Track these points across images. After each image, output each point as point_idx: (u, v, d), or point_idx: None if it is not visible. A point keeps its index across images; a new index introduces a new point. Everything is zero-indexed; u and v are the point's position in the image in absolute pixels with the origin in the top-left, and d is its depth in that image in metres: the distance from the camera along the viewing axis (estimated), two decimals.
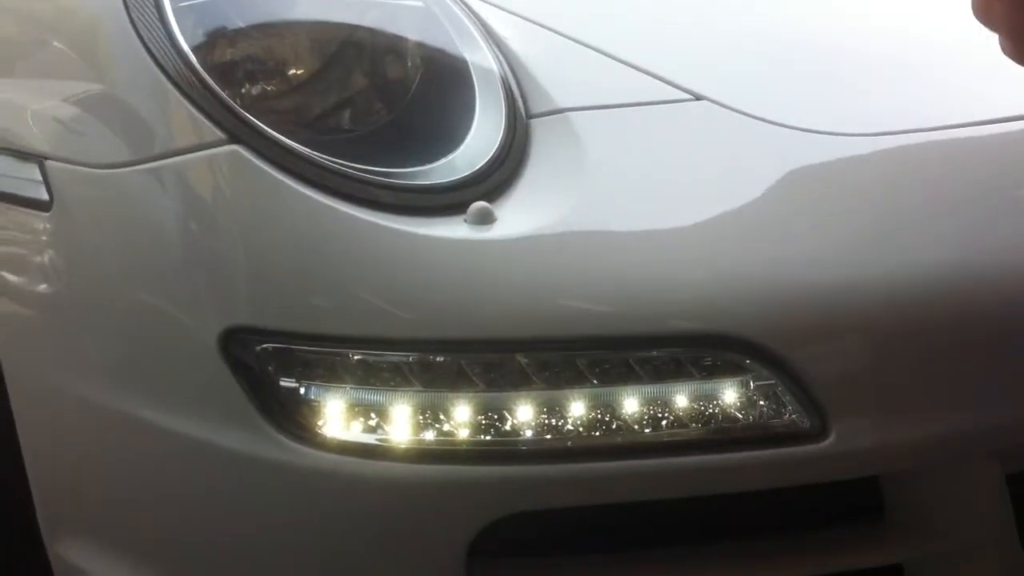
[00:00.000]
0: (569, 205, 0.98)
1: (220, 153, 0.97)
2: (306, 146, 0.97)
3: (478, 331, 0.93)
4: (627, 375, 0.94)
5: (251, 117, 0.98)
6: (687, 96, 1.09)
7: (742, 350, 0.94)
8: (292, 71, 1.08)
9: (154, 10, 1.02)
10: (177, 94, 0.98)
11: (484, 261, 0.94)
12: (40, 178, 1.05)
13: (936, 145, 1.10)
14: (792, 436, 0.95)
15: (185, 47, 1.00)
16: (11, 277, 1.11)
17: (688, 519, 1.00)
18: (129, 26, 1.01)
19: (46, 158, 1.06)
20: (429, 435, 0.94)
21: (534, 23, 1.14)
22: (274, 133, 0.97)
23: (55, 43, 1.16)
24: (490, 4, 1.14)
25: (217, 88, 0.98)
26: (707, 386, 0.94)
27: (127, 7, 1.02)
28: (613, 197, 1.00)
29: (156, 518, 1.05)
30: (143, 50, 1.00)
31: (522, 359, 0.93)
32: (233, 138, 0.96)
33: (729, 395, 0.95)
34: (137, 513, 1.07)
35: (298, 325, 0.94)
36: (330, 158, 0.97)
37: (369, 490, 0.93)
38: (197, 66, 0.99)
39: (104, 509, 1.10)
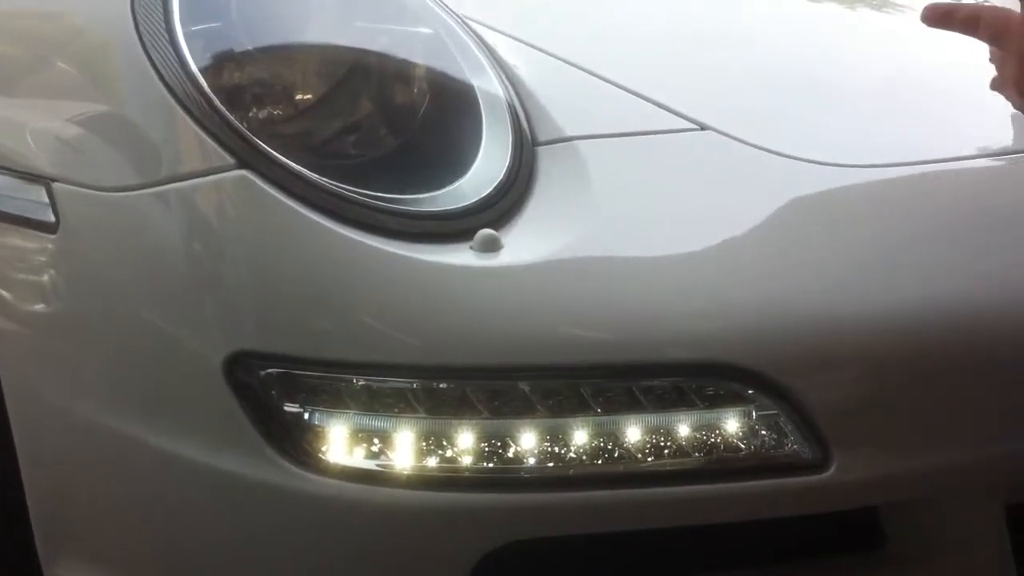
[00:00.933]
0: (575, 233, 0.98)
1: (228, 178, 0.97)
2: (313, 171, 0.98)
3: (483, 358, 0.93)
4: (630, 404, 0.94)
5: (260, 142, 0.98)
6: (692, 126, 1.10)
7: (744, 380, 0.94)
8: (300, 95, 1.09)
9: (165, 33, 1.02)
10: (186, 118, 0.99)
11: (490, 288, 0.95)
12: (47, 200, 1.06)
13: (937, 177, 1.11)
14: (793, 466, 0.95)
15: (195, 70, 1.00)
16: (16, 298, 1.11)
17: (689, 548, 1.01)
18: (140, 49, 1.02)
19: (53, 180, 1.06)
20: (432, 462, 0.94)
21: (542, 51, 1.15)
22: (282, 158, 0.98)
23: (63, 64, 1.16)
24: (498, 32, 1.15)
25: (226, 112, 0.99)
26: (709, 415, 0.95)
27: (138, 30, 1.03)
28: (618, 226, 1.01)
29: (157, 541, 1.05)
30: (153, 73, 1.01)
31: (526, 387, 0.93)
32: (242, 163, 0.97)
33: (731, 425, 0.95)
34: (136, 535, 1.07)
35: (303, 350, 0.94)
36: (337, 184, 0.98)
37: (371, 516, 0.94)
38: (207, 90, 1.00)
39: (104, 531, 1.10)
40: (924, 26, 0.91)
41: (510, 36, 1.15)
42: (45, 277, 1.08)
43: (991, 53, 0.92)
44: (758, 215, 1.03)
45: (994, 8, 0.83)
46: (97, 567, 1.11)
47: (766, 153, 1.07)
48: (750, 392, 0.94)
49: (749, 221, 1.02)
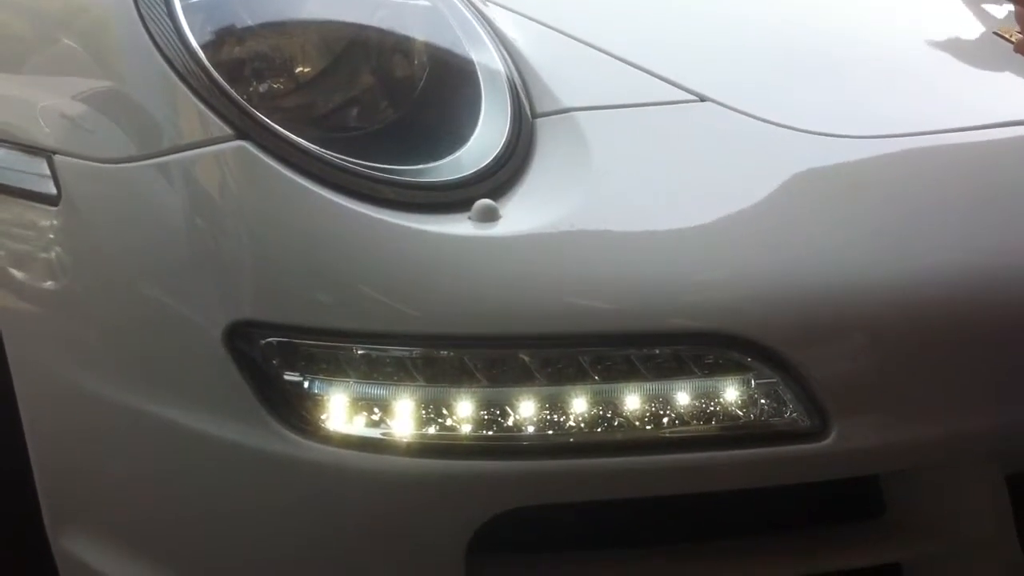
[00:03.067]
0: (573, 203, 0.99)
1: (227, 149, 0.98)
2: (313, 143, 0.98)
3: (481, 327, 0.93)
4: (629, 372, 0.95)
5: (258, 113, 0.98)
6: (691, 97, 1.10)
7: (744, 349, 0.94)
8: (300, 69, 1.09)
9: (163, 7, 1.03)
10: (185, 90, 0.99)
11: (488, 258, 0.95)
12: (48, 172, 1.06)
13: (938, 148, 1.10)
14: (793, 435, 0.95)
15: (194, 43, 1.01)
16: (18, 271, 1.12)
17: (688, 516, 1.01)
18: (139, 22, 1.02)
19: (54, 153, 1.06)
20: (431, 430, 0.94)
21: (540, 23, 1.15)
22: (281, 129, 0.98)
23: (64, 39, 1.17)
24: (497, 4, 1.15)
25: (225, 84, 0.99)
26: (708, 384, 0.95)
27: (137, 4, 1.03)
28: (617, 196, 1.01)
29: (159, 511, 1.06)
30: (152, 46, 1.01)
31: (525, 355, 0.94)
32: (240, 134, 0.97)
33: (730, 393, 0.95)
34: (140, 506, 1.07)
35: (303, 319, 0.94)
36: (336, 155, 0.98)
37: (371, 483, 0.94)
38: (206, 62, 1.00)
39: (108, 502, 1.11)
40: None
41: (508, 8, 1.15)
42: (47, 249, 1.09)
43: (1017, 14, 0.88)
44: (758, 186, 1.03)
45: None
46: (102, 538, 1.12)
47: (766, 124, 1.07)
48: (749, 361, 0.95)
49: (749, 192, 1.02)
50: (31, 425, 1.14)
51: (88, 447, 1.11)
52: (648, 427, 0.95)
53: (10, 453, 1.16)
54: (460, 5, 1.12)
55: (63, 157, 1.06)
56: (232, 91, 0.99)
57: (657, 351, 0.95)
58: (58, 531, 1.15)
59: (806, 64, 1.20)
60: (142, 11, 1.03)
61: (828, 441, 0.95)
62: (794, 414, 0.95)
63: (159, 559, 1.08)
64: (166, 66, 1.00)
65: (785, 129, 1.07)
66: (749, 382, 0.95)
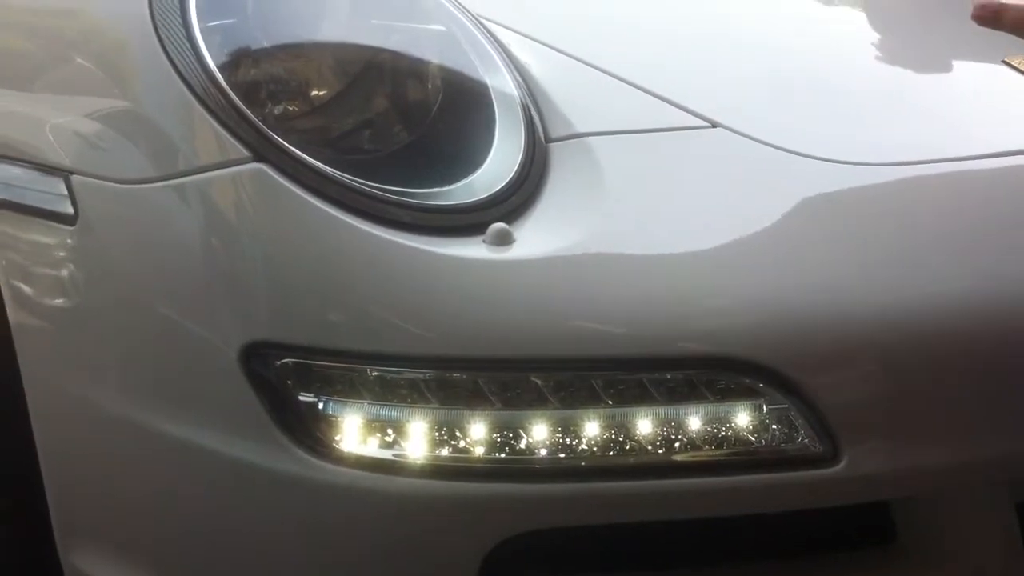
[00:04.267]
0: (586, 228, 0.99)
1: (244, 171, 0.98)
2: (328, 165, 0.99)
3: (495, 350, 0.94)
4: (641, 396, 0.95)
5: (275, 136, 0.99)
6: (703, 123, 1.11)
7: (756, 374, 0.95)
8: (315, 92, 1.10)
9: (182, 29, 1.04)
10: (203, 111, 1.00)
11: (503, 281, 0.96)
12: (65, 192, 1.07)
13: (949, 176, 1.11)
14: (804, 460, 0.95)
15: (212, 66, 1.02)
16: (34, 289, 1.13)
17: (698, 540, 1.01)
18: (157, 44, 1.03)
19: (72, 172, 1.07)
20: (445, 452, 0.95)
21: (554, 49, 1.16)
22: (298, 152, 0.99)
23: (80, 60, 1.18)
24: (510, 30, 1.16)
25: (243, 106, 1.00)
26: (720, 409, 0.95)
27: (155, 26, 1.04)
28: (630, 221, 1.01)
29: (170, 528, 1.06)
30: (171, 68, 1.02)
31: (538, 379, 0.94)
32: (258, 156, 0.98)
33: (742, 418, 0.96)
34: (151, 523, 1.08)
35: (318, 340, 0.95)
36: (352, 177, 0.99)
37: (384, 505, 0.94)
38: (224, 84, 1.01)
39: (119, 520, 1.11)
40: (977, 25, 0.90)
41: (522, 34, 1.16)
42: (63, 268, 1.09)
43: None
44: (769, 211, 1.03)
45: None
46: (113, 556, 1.12)
47: (777, 151, 1.08)
48: (761, 386, 0.95)
49: (760, 217, 1.03)
50: (43, 442, 1.14)
51: (100, 464, 1.11)
52: (660, 451, 0.96)
53: (22, 469, 1.17)
54: (474, 30, 1.13)
55: (80, 177, 1.06)
56: (249, 112, 1.00)
57: (669, 376, 0.96)
58: (68, 547, 1.15)
59: (815, 91, 1.21)
60: (160, 33, 1.04)
61: (839, 467, 0.95)
62: (805, 440, 0.95)
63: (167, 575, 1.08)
64: (184, 88, 1.01)
65: (797, 156, 1.07)
66: (761, 407, 0.95)
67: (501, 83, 1.09)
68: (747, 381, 0.95)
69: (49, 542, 1.17)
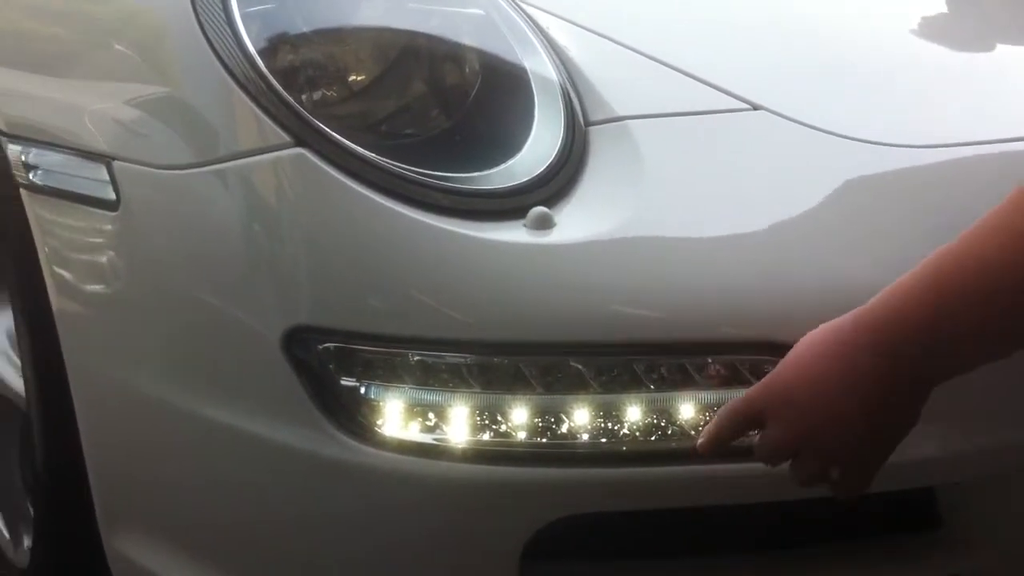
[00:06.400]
0: (627, 211, 0.99)
1: (285, 156, 0.98)
2: (368, 150, 0.99)
3: (536, 334, 0.94)
4: (684, 381, 0.95)
5: (316, 121, 0.99)
6: (744, 105, 1.09)
7: None
8: (353, 77, 1.10)
9: (222, 15, 1.04)
10: (244, 97, 1.00)
11: (544, 265, 0.95)
12: (107, 178, 1.08)
13: (993, 157, 1.09)
14: None
15: (253, 51, 1.02)
16: (76, 274, 1.14)
17: (743, 526, 1.01)
18: (198, 30, 1.03)
19: (113, 158, 1.08)
20: (486, 436, 0.95)
21: (593, 32, 1.15)
22: (339, 137, 0.99)
23: (118, 46, 1.18)
24: (549, 13, 1.15)
25: (284, 92, 1.00)
26: None
27: (196, 12, 1.04)
28: (671, 204, 1.01)
29: (214, 513, 1.07)
30: (212, 54, 1.02)
31: (579, 363, 0.94)
32: (299, 141, 0.98)
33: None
34: (194, 508, 1.09)
35: (359, 325, 0.95)
36: (392, 162, 0.99)
37: (426, 489, 0.95)
38: (264, 70, 1.01)
39: (162, 504, 1.12)
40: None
41: (561, 17, 1.16)
42: (105, 254, 1.10)
43: None
44: (811, 194, 1.02)
45: None
46: (156, 539, 1.13)
47: (819, 133, 1.07)
48: None
49: (802, 200, 1.02)
50: (87, 427, 1.15)
51: (142, 450, 1.12)
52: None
53: (66, 454, 1.18)
54: (513, 14, 1.12)
55: (122, 163, 1.07)
56: (291, 99, 1.00)
57: (712, 360, 0.95)
58: (111, 532, 1.16)
59: (854, 73, 1.20)
60: (201, 19, 1.04)
61: None
62: None
63: (212, 561, 1.09)
64: (225, 74, 1.01)
65: (838, 138, 1.06)
66: None
67: (540, 66, 1.09)
68: None
69: (93, 527, 1.18)
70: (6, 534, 1.46)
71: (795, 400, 0.71)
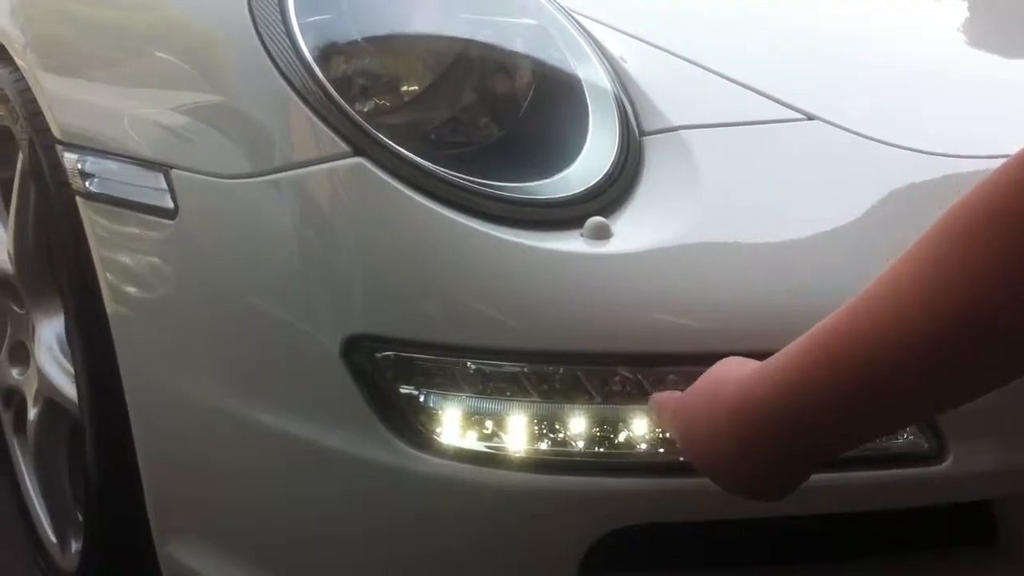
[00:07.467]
0: (685, 222, 0.99)
1: (343, 165, 0.99)
2: (424, 160, 0.99)
3: (596, 344, 0.94)
4: None
5: (374, 130, 1.00)
6: (799, 115, 1.09)
7: None
8: (407, 87, 1.10)
9: (281, 25, 1.04)
10: (303, 107, 1.01)
11: (602, 275, 0.95)
12: (165, 186, 1.09)
13: None
14: (910, 457, 0.94)
15: (311, 61, 1.02)
16: (131, 281, 1.15)
17: (798, 538, 1.00)
18: (256, 40, 1.04)
19: (171, 167, 1.09)
20: (544, 445, 0.95)
21: (646, 43, 1.15)
22: (396, 146, 0.99)
23: (175, 56, 1.18)
24: (602, 24, 1.15)
25: (342, 102, 1.01)
26: None
27: (255, 22, 1.05)
28: (728, 215, 1.00)
29: (270, 520, 1.08)
30: (270, 64, 1.03)
31: (638, 373, 0.94)
32: (357, 151, 0.99)
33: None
34: (251, 515, 1.09)
35: (418, 334, 0.95)
36: (450, 171, 0.99)
37: (485, 497, 0.95)
38: (323, 79, 1.02)
39: (217, 510, 1.13)
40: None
41: (613, 28, 1.16)
42: (161, 261, 1.11)
43: None
44: (869, 206, 1.02)
45: None
46: (209, 545, 1.14)
47: (877, 144, 1.06)
48: None
49: (860, 212, 1.01)
50: (140, 432, 1.16)
51: (196, 455, 1.13)
52: None
53: (118, 459, 1.19)
54: (567, 23, 1.13)
55: (180, 172, 1.08)
56: (349, 108, 1.01)
57: None
58: (164, 538, 1.17)
59: (913, 83, 1.19)
60: (260, 29, 1.05)
61: (945, 465, 0.94)
62: (911, 436, 0.94)
63: (264, 567, 1.09)
64: (284, 83, 1.02)
65: (897, 149, 1.06)
66: None
67: (594, 76, 1.09)
68: None
69: (144, 532, 1.18)
70: (53, 538, 1.47)
71: (693, 431, 0.70)
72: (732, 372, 0.69)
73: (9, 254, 1.44)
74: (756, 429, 0.63)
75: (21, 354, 1.53)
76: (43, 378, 1.40)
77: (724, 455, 0.66)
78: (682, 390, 0.76)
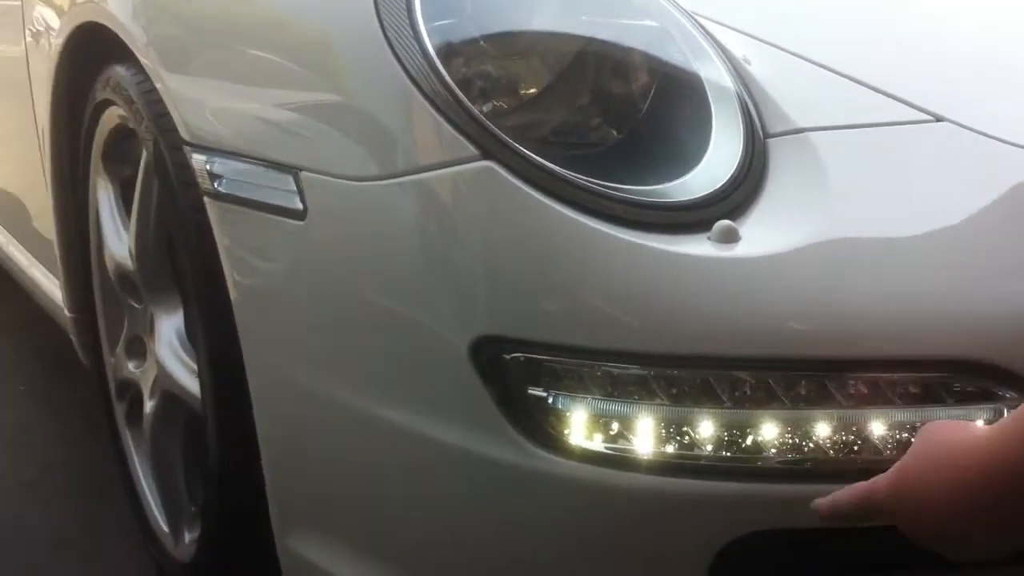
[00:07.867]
0: (812, 226, 0.98)
1: (471, 168, 1.00)
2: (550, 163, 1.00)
3: (726, 348, 0.94)
4: (875, 398, 0.93)
5: (502, 133, 1.01)
6: (927, 117, 1.08)
7: (996, 378, 0.92)
8: (529, 89, 1.11)
9: (409, 29, 1.06)
10: (431, 110, 1.02)
11: (731, 279, 0.95)
12: (294, 188, 1.11)
13: None
14: None
15: (439, 65, 1.03)
16: (259, 281, 1.17)
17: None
18: (385, 44, 1.05)
19: (300, 169, 1.11)
20: (671, 448, 0.95)
21: (767, 43, 1.14)
22: (524, 149, 1.00)
23: (301, 59, 1.19)
24: (724, 26, 1.15)
25: (470, 105, 1.02)
26: (958, 413, 0.93)
27: (382, 26, 1.06)
28: (856, 218, 0.99)
29: (392, 516, 1.09)
30: (399, 67, 1.04)
31: (769, 377, 0.93)
32: (486, 154, 1.00)
33: (980, 423, 0.93)
34: (373, 510, 1.11)
35: (547, 336, 0.96)
36: (576, 175, 0.99)
37: (614, 499, 0.95)
38: (451, 83, 1.03)
39: (339, 504, 1.15)
40: None
41: (737, 30, 1.15)
42: (289, 262, 1.13)
43: None
44: (1000, 208, 1.00)
45: None
46: (329, 539, 1.16)
47: (1010, 146, 1.04)
48: (1002, 390, 0.92)
49: (991, 215, 1.00)
50: (264, 428, 1.19)
51: (319, 450, 1.15)
52: (889, 453, 0.94)
53: (241, 450, 1.21)
54: (688, 25, 1.12)
55: (309, 174, 1.10)
56: (477, 112, 1.02)
57: (899, 377, 0.94)
58: (286, 531, 1.20)
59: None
60: (387, 31, 1.06)
61: None
62: None
63: (386, 561, 1.11)
64: (412, 86, 1.03)
65: None
66: (1002, 412, 0.93)
67: (716, 78, 1.08)
68: (986, 384, 0.93)
69: (264, 524, 1.21)
70: (166, 528, 1.51)
71: (929, 506, 0.68)
72: (957, 438, 0.68)
73: (130, 251, 1.48)
74: (1012, 493, 0.63)
75: (137, 348, 1.57)
76: (163, 371, 1.44)
77: (973, 522, 0.65)
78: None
